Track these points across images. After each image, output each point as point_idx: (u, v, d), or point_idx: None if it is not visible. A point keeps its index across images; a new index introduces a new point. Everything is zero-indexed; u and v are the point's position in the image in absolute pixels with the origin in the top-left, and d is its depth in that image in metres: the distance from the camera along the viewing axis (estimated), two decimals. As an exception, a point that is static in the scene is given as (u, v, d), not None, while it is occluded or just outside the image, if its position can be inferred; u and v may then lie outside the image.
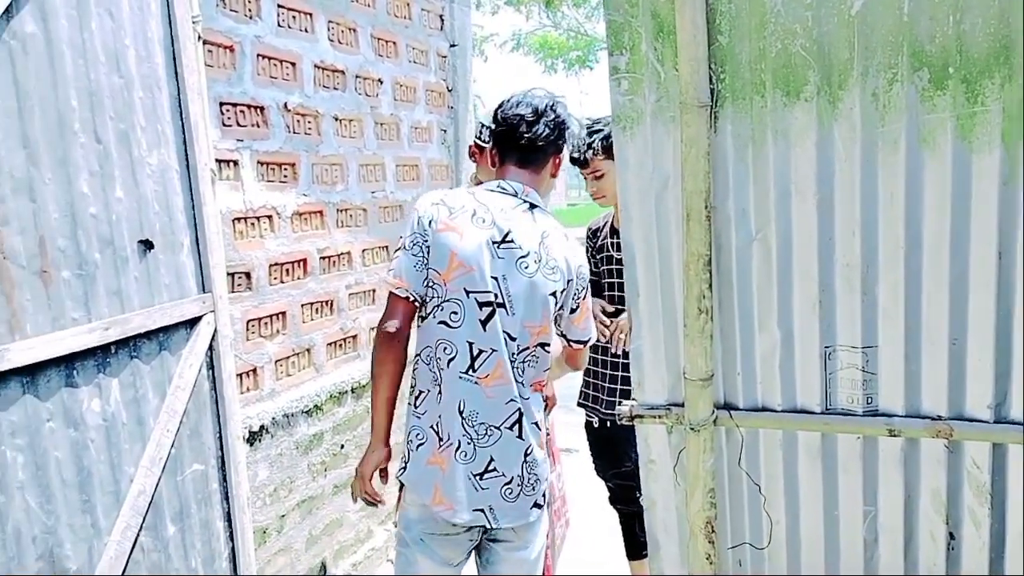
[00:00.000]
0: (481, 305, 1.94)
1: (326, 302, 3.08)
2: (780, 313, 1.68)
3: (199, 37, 2.21)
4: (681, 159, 1.60)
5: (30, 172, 1.70)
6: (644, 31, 1.60)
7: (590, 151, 2.69)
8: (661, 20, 1.59)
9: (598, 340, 2.61)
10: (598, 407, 2.84)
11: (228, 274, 2.43)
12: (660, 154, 1.66)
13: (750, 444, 1.79)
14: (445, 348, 1.96)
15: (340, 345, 3.19)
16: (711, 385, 1.72)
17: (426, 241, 1.96)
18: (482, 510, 1.96)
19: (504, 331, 1.95)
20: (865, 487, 1.74)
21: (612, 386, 2.79)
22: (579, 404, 2.96)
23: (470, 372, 1.95)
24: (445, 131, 3.86)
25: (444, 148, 3.87)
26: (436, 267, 1.95)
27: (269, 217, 2.74)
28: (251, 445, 2.65)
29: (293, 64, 2.83)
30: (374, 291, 3.36)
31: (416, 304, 1.98)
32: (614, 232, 2.77)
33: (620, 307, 2.64)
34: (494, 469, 1.97)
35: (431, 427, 1.98)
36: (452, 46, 3.87)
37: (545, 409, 2.18)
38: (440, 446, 1.97)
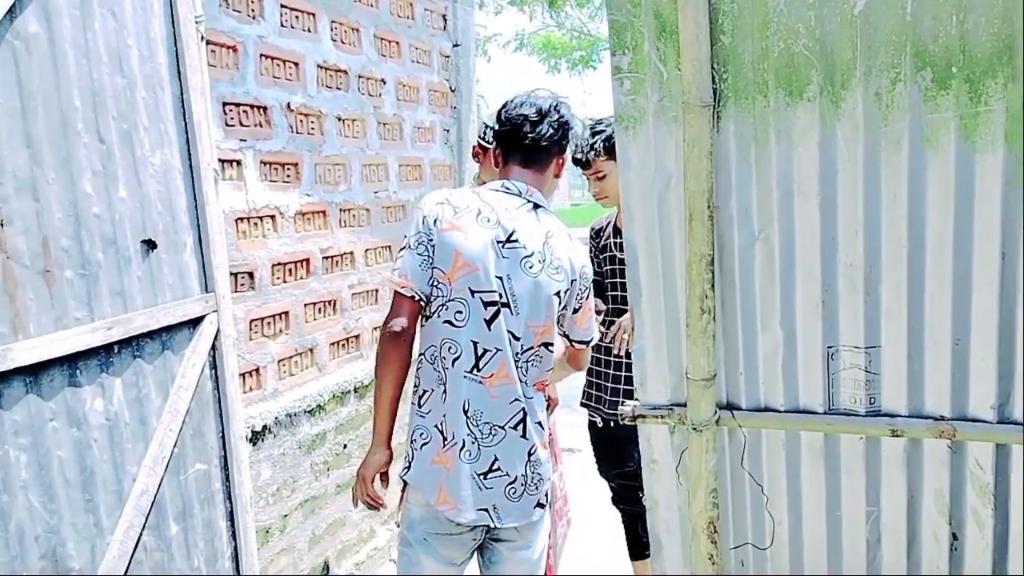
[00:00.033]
0: (486, 304, 1.94)
1: (329, 302, 3.09)
2: (783, 313, 1.68)
3: (202, 37, 2.21)
4: (684, 159, 1.60)
5: (33, 172, 1.70)
6: (646, 31, 1.60)
7: (592, 152, 2.69)
8: (663, 20, 1.58)
9: (600, 340, 2.61)
10: (601, 407, 2.85)
11: (231, 274, 2.43)
12: (663, 154, 1.66)
13: (753, 444, 1.78)
14: (450, 347, 1.96)
15: (343, 345, 3.19)
16: (714, 385, 1.72)
17: (431, 240, 1.96)
18: (486, 509, 1.96)
19: (508, 331, 1.95)
20: (868, 487, 1.74)
21: (615, 386, 2.79)
22: (582, 404, 2.96)
23: (475, 371, 1.95)
24: (448, 131, 3.87)
25: (447, 148, 3.87)
26: (441, 266, 1.95)
27: (272, 217, 2.75)
28: (254, 445, 2.66)
29: (296, 64, 2.83)
30: (377, 291, 3.36)
31: (421, 303, 1.98)
32: (617, 232, 2.77)
33: (623, 307, 2.64)
34: (498, 468, 1.97)
35: (435, 426, 1.98)
36: (455, 46, 3.87)
37: (547, 409, 2.18)
38: (445, 445, 1.97)
